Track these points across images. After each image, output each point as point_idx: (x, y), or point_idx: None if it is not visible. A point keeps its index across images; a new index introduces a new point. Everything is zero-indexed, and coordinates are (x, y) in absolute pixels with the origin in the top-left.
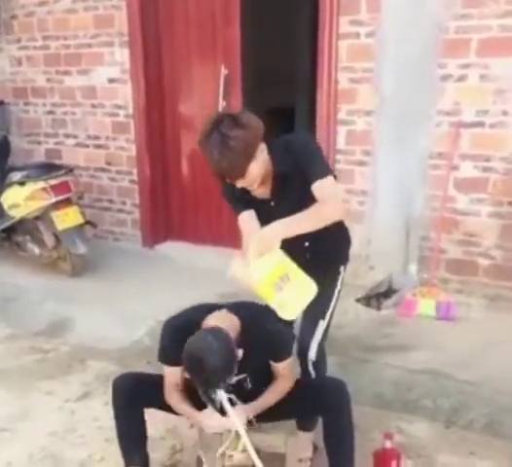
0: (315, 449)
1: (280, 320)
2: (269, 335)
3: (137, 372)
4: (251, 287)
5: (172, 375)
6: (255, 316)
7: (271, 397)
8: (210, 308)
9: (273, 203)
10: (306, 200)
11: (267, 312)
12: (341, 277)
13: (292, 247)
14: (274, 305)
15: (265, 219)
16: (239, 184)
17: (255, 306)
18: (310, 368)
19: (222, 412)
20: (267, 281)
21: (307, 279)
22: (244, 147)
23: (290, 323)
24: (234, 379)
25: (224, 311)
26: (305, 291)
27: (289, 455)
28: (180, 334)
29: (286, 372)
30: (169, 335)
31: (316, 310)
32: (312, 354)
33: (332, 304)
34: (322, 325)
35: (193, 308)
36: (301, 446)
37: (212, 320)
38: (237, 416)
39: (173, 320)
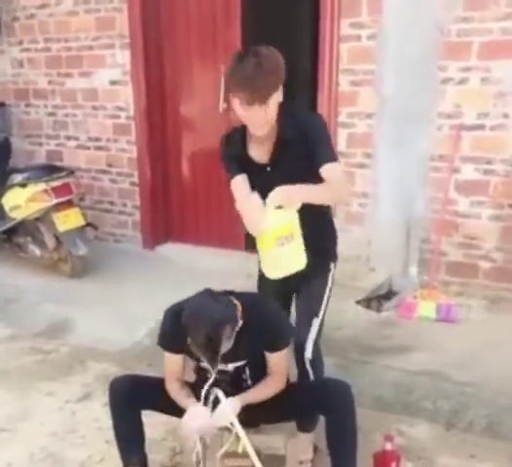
0: (315, 449)
1: (280, 310)
2: (269, 321)
3: (135, 374)
4: (257, 230)
5: (173, 362)
6: (256, 305)
7: (260, 391)
8: (213, 294)
9: (269, 169)
10: (301, 174)
11: (267, 301)
12: (331, 275)
13: None
14: (267, 258)
15: (258, 185)
16: (255, 118)
17: (257, 296)
18: (308, 366)
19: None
20: (275, 232)
21: (303, 251)
22: (276, 72)
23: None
24: (231, 366)
25: (226, 297)
26: (297, 259)
27: (289, 457)
28: (179, 320)
29: (280, 368)
30: (170, 320)
31: (310, 309)
32: (309, 353)
33: (324, 301)
34: (316, 323)
35: (194, 296)
36: (301, 447)
37: None
38: (231, 408)
39: (175, 306)
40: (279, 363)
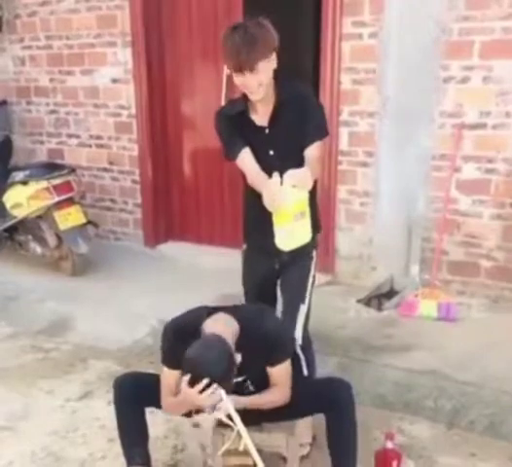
0: (314, 438)
1: (279, 322)
2: (267, 337)
3: (139, 371)
4: (277, 204)
5: (170, 377)
6: (254, 319)
7: (264, 397)
8: (210, 311)
9: (267, 131)
10: (297, 137)
11: (266, 314)
12: (314, 262)
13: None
14: (283, 232)
15: (257, 147)
16: (248, 84)
17: (254, 309)
18: (299, 351)
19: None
20: (293, 208)
21: (310, 226)
22: (264, 40)
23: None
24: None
25: (223, 315)
26: (306, 233)
27: (290, 455)
28: (180, 337)
29: (283, 380)
30: (170, 338)
31: (295, 295)
32: (298, 339)
33: (308, 287)
34: (304, 309)
35: (192, 311)
36: (300, 431)
37: (211, 324)
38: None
39: (173, 323)
40: (282, 376)
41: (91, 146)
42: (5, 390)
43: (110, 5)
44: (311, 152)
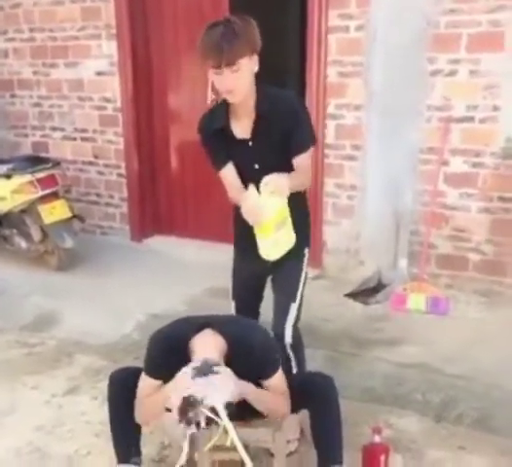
0: (302, 431)
1: (266, 335)
2: (255, 352)
3: (134, 366)
4: (257, 218)
5: (149, 387)
6: (241, 334)
7: (265, 393)
8: (196, 327)
9: (251, 143)
10: (282, 147)
11: (252, 328)
12: (306, 260)
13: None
14: (267, 242)
15: (242, 161)
16: (225, 82)
17: (240, 323)
18: (289, 351)
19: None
20: (274, 218)
21: (292, 230)
22: (246, 37)
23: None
24: None
25: (210, 332)
26: (291, 238)
27: (277, 450)
28: (166, 349)
29: (280, 389)
30: (155, 350)
31: (286, 294)
32: (288, 338)
33: (300, 286)
34: (294, 308)
35: (179, 323)
36: (288, 427)
37: (200, 346)
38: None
39: (160, 335)
40: (278, 385)
41: (75, 139)
42: None
43: None
44: (301, 160)
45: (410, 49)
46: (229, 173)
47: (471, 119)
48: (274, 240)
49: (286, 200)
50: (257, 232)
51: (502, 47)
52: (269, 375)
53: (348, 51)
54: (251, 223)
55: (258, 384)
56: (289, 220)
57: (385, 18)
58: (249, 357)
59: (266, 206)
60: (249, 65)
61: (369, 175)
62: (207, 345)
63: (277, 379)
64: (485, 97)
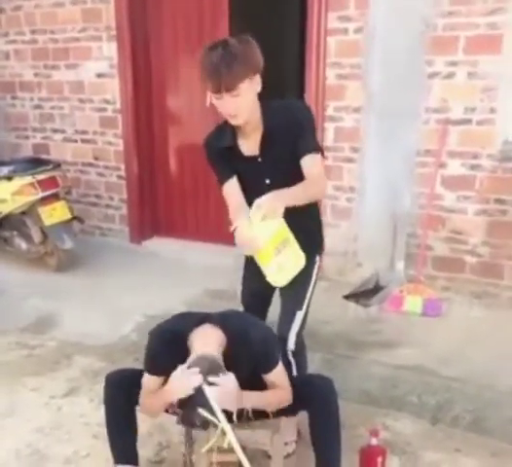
0: (299, 433)
1: (267, 329)
2: (254, 346)
3: (130, 368)
4: (252, 247)
5: (151, 383)
6: (240, 328)
7: (266, 394)
8: (196, 321)
9: (260, 160)
10: (292, 162)
11: (252, 322)
12: (316, 267)
13: None
14: (270, 269)
15: (252, 177)
16: (226, 107)
17: (240, 317)
18: (290, 358)
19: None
20: (270, 244)
21: (299, 250)
22: (244, 58)
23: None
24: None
25: (209, 327)
26: (297, 260)
27: (274, 452)
28: (166, 344)
29: (281, 383)
30: (155, 345)
31: (293, 301)
32: (291, 344)
33: (308, 294)
34: (300, 316)
35: (178, 318)
36: (285, 429)
37: (200, 341)
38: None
39: (159, 330)
40: (279, 378)
41: (76, 141)
42: None
43: None
44: (310, 169)
45: (408, 51)
46: (230, 191)
47: (469, 121)
48: (278, 265)
49: (283, 220)
50: (258, 260)
51: (500, 49)
52: (269, 368)
53: (347, 53)
54: (246, 254)
55: (259, 379)
56: (291, 239)
57: (384, 21)
58: (249, 351)
59: (260, 233)
60: (251, 88)
61: (367, 177)
62: (207, 339)
63: (278, 373)
64: (482, 100)
